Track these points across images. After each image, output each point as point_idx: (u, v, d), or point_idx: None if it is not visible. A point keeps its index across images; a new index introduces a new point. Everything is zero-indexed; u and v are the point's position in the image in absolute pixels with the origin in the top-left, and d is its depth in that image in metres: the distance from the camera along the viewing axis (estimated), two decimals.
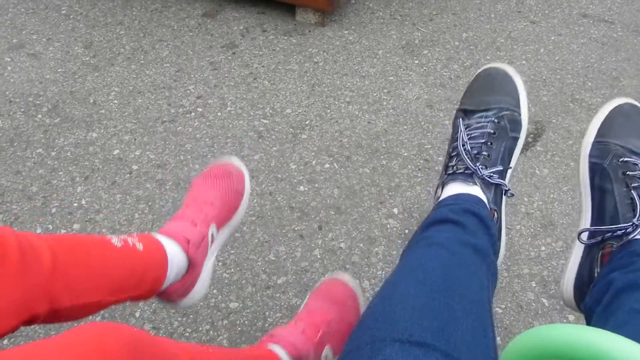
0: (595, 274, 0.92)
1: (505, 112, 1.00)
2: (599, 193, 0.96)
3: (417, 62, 2.15)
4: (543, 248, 1.53)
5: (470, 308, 0.71)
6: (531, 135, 1.86)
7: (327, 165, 1.72)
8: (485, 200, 0.93)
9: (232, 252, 1.48)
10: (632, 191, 0.91)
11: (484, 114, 1.00)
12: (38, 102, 1.90)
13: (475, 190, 0.94)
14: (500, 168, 0.97)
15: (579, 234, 0.97)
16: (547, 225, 1.59)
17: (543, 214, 1.62)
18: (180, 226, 1.01)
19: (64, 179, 1.65)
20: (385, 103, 1.95)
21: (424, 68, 2.12)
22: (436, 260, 0.78)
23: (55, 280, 0.73)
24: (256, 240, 1.52)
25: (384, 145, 1.80)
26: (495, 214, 0.95)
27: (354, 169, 1.72)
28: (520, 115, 1.02)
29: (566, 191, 1.68)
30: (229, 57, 2.13)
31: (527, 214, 1.61)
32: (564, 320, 1.37)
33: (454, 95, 2.00)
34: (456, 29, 2.34)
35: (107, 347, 0.56)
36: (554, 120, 1.92)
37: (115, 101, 1.92)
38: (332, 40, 2.23)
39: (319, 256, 1.48)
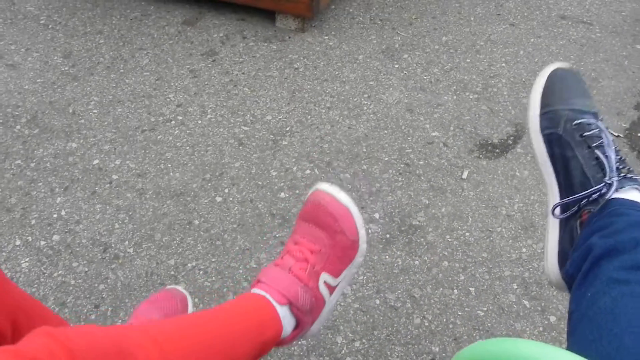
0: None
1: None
2: (562, 163, 0.93)
3: (397, 66, 2.15)
4: (524, 250, 1.54)
5: None
6: (511, 138, 1.86)
7: (307, 172, 1.72)
8: None
9: (212, 260, 1.48)
10: (596, 150, 0.88)
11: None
12: (17, 112, 1.89)
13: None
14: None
15: (552, 210, 0.93)
16: (527, 227, 1.59)
17: (524, 215, 1.62)
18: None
19: (43, 190, 1.64)
20: (365, 108, 1.96)
21: (404, 72, 2.13)
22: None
23: (21, 311, 0.73)
24: (237, 248, 1.51)
25: (364, 150, 1.80)
26: None
27: (334, 174, 1.71)
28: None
29: (546, 193, 1.69)
30: (209, 65, 2.12)
31: (507, 216, 1.62)
32: (545, 322, 1.38)
33: (434, 99, 2.00)
34: (436, 33, 2.35)
35: (56, 352, 0.55)
36: None
37: (95, 111, 1.91)
38: (312, 46, 2.24)
39: None
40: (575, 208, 0.89)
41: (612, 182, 0.84)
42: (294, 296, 0.89)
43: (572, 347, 0.72)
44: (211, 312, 0.82)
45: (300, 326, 0.92)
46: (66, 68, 2.09)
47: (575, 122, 0.91)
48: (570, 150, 0.91)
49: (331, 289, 0.96)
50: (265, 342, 0.84)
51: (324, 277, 0.95)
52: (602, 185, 0.85)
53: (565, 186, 0.92)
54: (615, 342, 0.65)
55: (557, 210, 0.93)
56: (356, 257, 0.99)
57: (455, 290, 1.44)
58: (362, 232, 0.98)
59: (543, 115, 0.96)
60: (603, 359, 0.65)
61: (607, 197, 0.83)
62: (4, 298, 0.71)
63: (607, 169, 0.86)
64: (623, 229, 0.78)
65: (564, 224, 0.93)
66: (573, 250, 0.85)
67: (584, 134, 0.90)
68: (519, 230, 1.58)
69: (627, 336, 0.65)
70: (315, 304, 0.93)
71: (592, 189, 0.86)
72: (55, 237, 1.52)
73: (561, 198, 0.93)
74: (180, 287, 1.23)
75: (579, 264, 0.80)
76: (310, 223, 0.98)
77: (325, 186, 0.99)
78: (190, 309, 1.18)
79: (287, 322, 0.89)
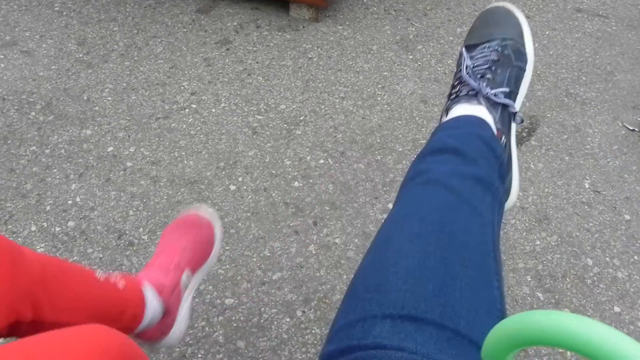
0: None
1: (509, 42, 0.97)
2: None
3: (411, 57, 2.15)
4: (538, 242, 1.53)
5: (471, 257, 0.68)
6: (525, 130, 1.86)
7: (321, 161, 1.72)
8: (490, 120, 0.90)
9: (227, 248, 1.48)
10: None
11: (487, 44, 0.97)
12: (31, 99, 1.89)
13: (480, 110, 0.90)
14: (507, 90, 0.93)
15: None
16: (541, 219, 1.59)
17: (538, 208, 1.62)
18: (154, 273, 1.05)
19: (58, 177, 1.65)
20: (379, 98, 1.95)
21: (418, 63, 2.12)
22: (432, 202, 0.75)
23: (42, 290, 0.76)
24: (251, 237, 1.51)
25: (378, 140, 1.79)
26: (503, 136, 0.91)
27: (348, 164, 1.71)
28: (524, 47, 0.98)
29: (561, 185, 1.68)
30: (223, 53, 2.12)
31: (522, 209, 1.61)
32: None
33: (448, 90, 1.99)
34: (450, 24, 2.34)
35: (107, 348, 0.57)
36: (548, 115, 1.92)
37: (109, 98, 1.91)
38: (326, 36, 2.23)
39: (314, 252, 1.48)
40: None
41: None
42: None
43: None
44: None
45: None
46: (80, 55, 2.09)
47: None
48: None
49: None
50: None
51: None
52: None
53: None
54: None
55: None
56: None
57: None
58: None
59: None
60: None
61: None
62: (19, 282, 0.72)
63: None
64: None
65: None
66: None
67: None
68: (533, 223, 1.58)
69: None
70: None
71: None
72: (71, 224, 1.53)
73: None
74: (206, 209, 1.23)
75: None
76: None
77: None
78: (218, 236, 1.21)
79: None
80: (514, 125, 0.96)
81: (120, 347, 0.58)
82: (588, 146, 1.82)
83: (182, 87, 1.96)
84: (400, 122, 1.86)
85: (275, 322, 1.34)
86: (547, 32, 2.32)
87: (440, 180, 0.78)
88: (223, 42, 2.18)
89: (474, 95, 0.92)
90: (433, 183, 0.78)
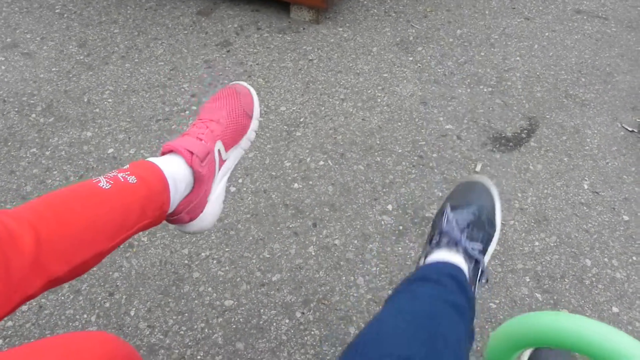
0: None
1: (485, 211, 1.08)
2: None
3: (411, 59, 2.15)
4: (537, 243, 1.54)
5: (451, 353, 0.76)
6: (525, 131, 1.86)
7: (321, 163, 1.72)
8: (465, 270, 0.98)
9: (226, 249, 1.48)
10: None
11: (467, 208, 1.07)
12: (32, 101, 1.90)
13: (458, 259, 0.99)
14: (481, 247, 1.03)
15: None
16: (540, 220, 1.59)
17: (537, 209, 1.62)
18: (184, 140, 0.99)
19: (58, 178, 1.65)
20: (379, 100, 1.96)
21: (418, 65, 2.12)
22: (421, 307, 0.84)
23: (43, 257, 0.72)
24: (250, 238, 1.52)
25: (378, 142, 1.80)
26: (474, 287, 1.01)
27: (348, 166, 1.72)
28: (494, 219, 1.09)
29: (560, 186, 1.69)
30: (224, 55, 2.13)
31: (520, 210, 1.62)
32: None
33: (448, 92, 2.00)
34: (450, 26, 2.34)
35: (113, 355, 0.57)
36: (547, 116, 1.92)
37: (110, 100, 1.92)
38: (326, 38, 2.24)
39: (313, 253, 1.48)
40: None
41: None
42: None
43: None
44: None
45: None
46: (81, 57, 2.09)
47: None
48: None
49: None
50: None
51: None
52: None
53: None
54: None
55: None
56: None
57: None
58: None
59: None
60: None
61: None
62: (10, 278, 0.70)
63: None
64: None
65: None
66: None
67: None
68: (532, 224, 1.58)
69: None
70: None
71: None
72: None
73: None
74: (244, 84, 1.18)
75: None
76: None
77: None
78: (256, 104, 1.16)
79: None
80: (477, 285, 1.04)
81: (125, 356, 0.59)
82: (587, 147, 1.82)
83: (183, 89, 1.97)
84: (400, 123, 1.87)
85: (275, 324, 1.34)
86: (547, 34, 2.32)
87: (426, 299, 0.87)
88: (223, 44, 2.18)
89: (454, 244, 1.01)
90: (420, 299, 0.88)
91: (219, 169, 1.06)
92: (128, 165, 0.90)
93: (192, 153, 0.97)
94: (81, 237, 0.77)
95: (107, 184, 0.83)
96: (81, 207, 0.79)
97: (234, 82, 1.18)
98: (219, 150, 1.04)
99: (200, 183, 0.99)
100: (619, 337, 0.52)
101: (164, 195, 0.90)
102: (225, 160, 1.08)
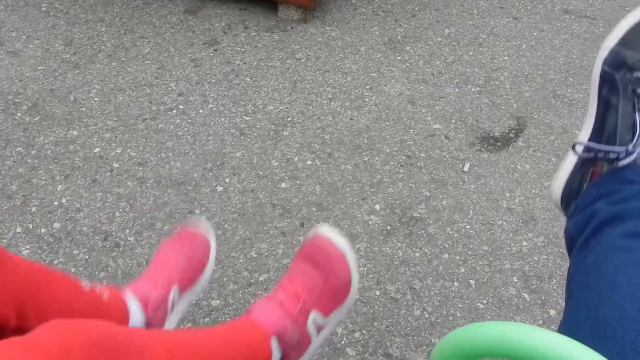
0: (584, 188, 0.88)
1: None
2: (604, 105, 0.89)
3: (399, 58, 2.15)
4: (525, 243, 1.54)
5: None
6: (513, 131, 1.86)
7: (309, 162, 1.72)
8: None
9: None
10: (636, 113, 0.85)
11: None
12: (18, 100, 1.88)
13: None
14: None
15: (574, 145, 0.91)
16: (528, 220, 1.59)
17: (525, 209, 1.62)
18: (142, 286, 1.02)
19: (44, 178, 1.64)
20: (367, 99, 1.95)
21: (406, 64, 2.12)
22: None
23: (28, 297, 0.75)
24: (238, 238, 1.51)
25: (366, 141, 1.79)
26: None
27: (335, 165, 1.71)
28: None
29: (548, 186, 1.69)
30: (211, 54, 2.12)
31: (508, 210, 1.62)
32: (545, 316, 1.38)
33: (436, 91, 2.00)
34: (439, 25, 2.34)
35: (70, 346, 0.55)
36: (535, 116, 1.92)
37: (96, 99, 1.90)
38: (314, 37, 2.23)
39: None
40: (592, 155, 0.88)
41: (634, 151, 0.82)
42: (282, 329, 0.93)
43: (570, 311, 0.72)
44: (213, 332, 0.87)
45: None
46: (67, 56, 2.08)
47: (636, 74, 0.86)
48: (616, 98, 0.87)
49: (319, 327, 1.00)
50: None
51: (314, 315, 0.98)
52: (623, 149, 0.83)
53: (597, 129, 0.90)
54: (616, 311, 0.65)
55: (579, 148, 0.91)
56: (348, 298, 1.03)
57: (456, 283, 1.44)
58: (355, 276, 1.04)
59: (614, 50, 0.90)
60: (602, 325, 0.65)
61: (620, 163, 0.82)
62: (4, 283, 0.71)
63: (636, 137, 0.83)
64: (630, 196, 0.77)
65: (580, 163, 0.92)
66: (575, 208, 0.85)
67: (637, 90, 0.86)
68: (520, 224, 1.58)
69: (629, 306, 0.64)
70: (301, 340, 0.96)
71: (613, 149, 0.84)
72: (56, 225, 1.52)
73: (589, 139, 0.91)
74: (203, 223, 1.18)
75: (582, 228, 0.79)
76: (306, 262, 1.02)
77: (325, 229, 1.04)
78: (212, 253, 1.17)
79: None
80: None
81: (87, 344, 0.57)
82: None
83: (170, 88, 1.96)
84: (387, 123, 1.86)
85: None
86: (535, 34, 2.33)
87: None
88: (211, 43, 2.17)
89: None
90: None
91: (171, 311, 1.07)
92: (105, 284, 0.96)
93: (147, 301, 1.00)
94: (56, 307, 0.82)
95: (87, 287, 0.90)
96: (65, 287, 0.86)
97: (194, 224, 1.17)
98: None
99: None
100: (564, 343, 0.52)
101: (122, 322, 0.95)
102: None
